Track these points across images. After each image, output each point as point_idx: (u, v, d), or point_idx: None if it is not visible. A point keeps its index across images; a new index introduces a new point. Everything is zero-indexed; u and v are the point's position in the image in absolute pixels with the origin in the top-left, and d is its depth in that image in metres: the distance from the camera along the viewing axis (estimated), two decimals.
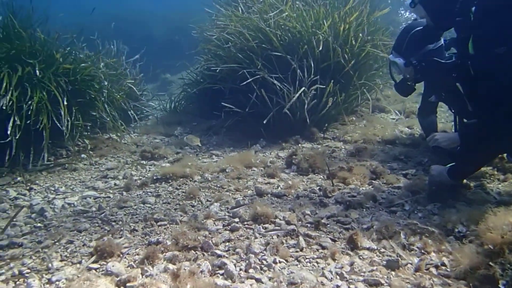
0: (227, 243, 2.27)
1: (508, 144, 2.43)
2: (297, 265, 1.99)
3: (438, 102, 3.75)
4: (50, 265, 2.08)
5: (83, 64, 4.33)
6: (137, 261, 2.10)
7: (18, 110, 3.49)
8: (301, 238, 2.23)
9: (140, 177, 3.64)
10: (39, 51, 4.02)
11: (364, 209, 2.65)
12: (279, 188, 3.16)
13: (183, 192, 3.19)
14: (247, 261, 2.02)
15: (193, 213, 2.71)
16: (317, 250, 2.14)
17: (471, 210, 2.30)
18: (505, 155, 3.02)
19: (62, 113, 3.76)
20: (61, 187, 3.43)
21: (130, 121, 5.69)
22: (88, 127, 4.36)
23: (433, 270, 1.84)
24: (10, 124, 3.42)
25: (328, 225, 2.41)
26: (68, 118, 3.83)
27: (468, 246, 1.86)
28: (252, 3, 5.13)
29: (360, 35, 4.71)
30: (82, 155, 4.23)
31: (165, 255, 2.14)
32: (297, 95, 4.23)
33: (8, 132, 3.38)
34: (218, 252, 2.14)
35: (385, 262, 1.93)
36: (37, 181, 3.55)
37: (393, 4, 6.21)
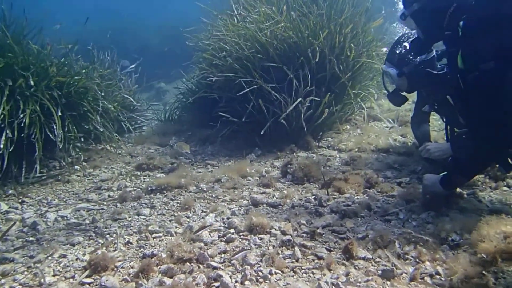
0: (223, 255, 2.26)
1: (499, 155, 2.45)
2: (293, 276, 1.98)
3: (431, 112, 3.79)
4: (42, 280, 2.05)
5: (77, 77, 4.31)
6: (131, 275, 2.08)
7: (10, 123, 3.47)
8: (296, 248, 2.22)
9: (135, 188, 3.62)
10: (32, 63, 4.01)
11: (359, 218, 2.65)
12: (275, 197, 3.16)
13: (178, 203, 3.17)
14: (242, 273, 2.00)
15: (188, 224, 2.70)
16: (313, 260, 2.13)
17: (465, 218, 2.31)
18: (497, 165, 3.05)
19: (56, 125, 3.73)
20: (54, 200, 3.40)
21: (124, 131, 5.68)
22: (82, 139, 4.34)
23: (427, 279, 1.84)
24: (3, 137, 3.40)
25: (324, 235, 2.41)
26: (61, 131, 3.80)
27: (462, 255, 1.86)
28: (248, 13, 5.16)
29: (353, 46, 4.75)
30: (76, 167, 4.20)
31: (160, 268, 2.12)
32: (294, 105, 4.24)
33: (1, 146, 3.36)
34: (214, 264, 2.13)
35: (380, 272, 1.93)
36: (29, 194, 3.51)
37: (387, 14, 6.26)
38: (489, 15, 2.26)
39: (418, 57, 3.21)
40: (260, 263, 2.11)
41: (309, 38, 4.64)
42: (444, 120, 3.46)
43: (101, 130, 4.51)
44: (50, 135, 3.76)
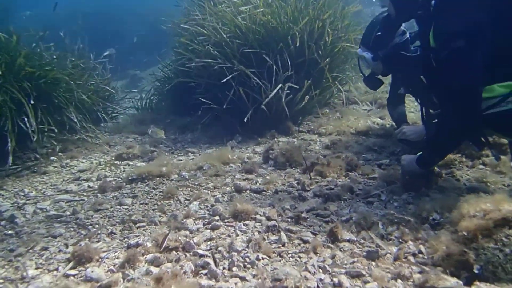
0: (209, 242, 2.26)
1: (470, 133, 2.52)
2: (280, 260, 2.00)
3: (406, 93, 3.86)
4: (25, 273, 2.00)
5: (47, 67, 4.15)
6: (117, 265, 2.05)
7: None
8: (282, 233, 2.24)
9: (115, 178, 3.55)
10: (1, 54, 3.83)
11: (342, 201, 2.69)
12: (258, 183, 3.17)
13: (161, 191, 3.14)
14: (230, 260, 2.01)
15: (172, 213, 2.67)
16: (299, 244, 2.16)
17: (444, 198, 2.38)
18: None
19: (28, 116, 3.60)
20: (31, 192, 3.30)
21: (100, 121, 5.55)
22: (56, 130, 4.20)
23: (411, 258, 1.89)
24: None
25: (308, 219, 2.44)
26: (34, 121, 3.67)
27: (443, 233, 1.92)
28: None
29: (330, 31, 4.75)
30: (52, 158, 4.09)
31: (146, 257, 2.10)
32: (275, 91, 4.23)
33: None
34: (200, 251, 2.12)
35: (365, 253, 1.97)
36: (4, 187, 3.40)
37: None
38: None
39: (393, 40, 3.24)
40: (247, 249, 2.12)
41: (288, 23, 4.62)
42: (419, 102, 3.53)
43: (75, 120, 4.39)
44: (23, 127, 3.62)
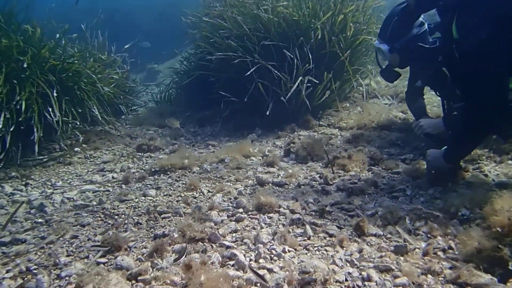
0: (234, 234, 2.28)
1: (496, 124, 2.47)
2: (306, 253, 2.01)
3: (424, 86, 3.81)
4: (57, 260, 2.06)
5: (69, 61, 4.22)
6: (145, 255, 2.09)
7: (8, 105, 3.41)
8: (307, 226, 2.24)
9: (138, 170, 3.60)
10: (26, 47, 3.91)
11: (366, 196, 2.68)
12: (280, 177, 3.17)
13: (183, 183, 3.17)
14: (256, 251, 2.02)
15: (196, 204, 2.70)
16: (325, 238, 2.16)
17: (473, 193, 2.34)
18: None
19: (53, 107, 3.67)
20: (58, 182, 3.38)
21: (121, 113, 5.62)
22: (79, 122, 4.27)
23: (440, 253, 1.88)
24: (1, 117, 3.34)
25: (333, 213, 2.44)
26: (58, 113, 3.75)
27: (474, 229, 1.89)
28: None
29: (352, 25, 4.70)
30: (76, 149, 4.16)
31: (173, 247, 2.13)
32: (296, 85, 4.21)
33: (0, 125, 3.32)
34: (226, 243, 2.14)
35: (393, 247, 1.96)
36: (32, 176, 3.49)
37: None
38: None
39: (410, 32, 3.18)
40: (273, 241, 2.13)
41: (310, 17, 4.58)
42: (438, 94, 3.47)
43: (96, 113, 4.45)
44: (48, 117, 3.69)
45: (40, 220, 2.64)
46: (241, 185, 3.08)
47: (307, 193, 2.78)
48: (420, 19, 3.21)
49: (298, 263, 1.90)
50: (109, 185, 3.28)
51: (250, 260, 1.98)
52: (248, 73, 4.33)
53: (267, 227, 2.33)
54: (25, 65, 3.63)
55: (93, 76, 4.65)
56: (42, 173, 3.60)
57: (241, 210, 2.58)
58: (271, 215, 2.48)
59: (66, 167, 3.74)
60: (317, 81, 4.37)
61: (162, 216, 2.60)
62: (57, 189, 3.22)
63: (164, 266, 1.95)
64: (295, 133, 4.37)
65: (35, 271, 1.97)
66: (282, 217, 2.45)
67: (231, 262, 1.96)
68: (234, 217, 2.48)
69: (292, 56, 4.37)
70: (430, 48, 3.15)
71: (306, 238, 2.16)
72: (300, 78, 4.29)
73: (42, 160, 3.79)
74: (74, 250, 2.19)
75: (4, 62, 3.60)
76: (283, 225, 2.34)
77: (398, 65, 3.41)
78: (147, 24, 18.23)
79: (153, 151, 4.16)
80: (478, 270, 1.63)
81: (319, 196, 2.74)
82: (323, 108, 4.83)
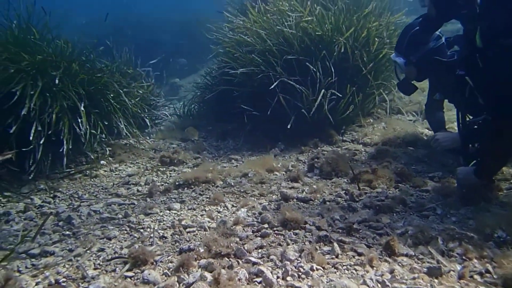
0: (259, 250, 2.25)
1: None
2: (335, 272, 1.96)
3: (444, 99, 3.76)
4: (85, 273, 2.07)
5: (99, 74, 4.33)
6: (171, 269, 2.08)
7: (39, 118, 3.51)
8: (335, 244, 2.20)
9: (162, 183, 3.63)
10: (59, 61, 4.03)
11: (395, 214, 2.61)
12: (304, 192, 3.14)
13: (207, 197, 3.17)
14: (283, 269, 1.99)
15: (221, 219, 2.69)
16: (353, 256, 2.11)
17: (509, 214, 2.26)
18: None
19: (82, 120, 3.75)
20: (85, 194, 3.43)
21: (145, 126, 5.69)
22: (105, 135, 4.35)
23: (477, 277, 1.80)
24: (33, 130, 3.43)
25: (360, 231, 2.38)
26: (87, 126, 3.83)
27: None
28: (272, 5, 5.12)
29: (377, 39, 4.69)
30: (102, 162, 4.23)
31: (199, 262, 2.12)
32: (320, 98, 4.20)
33: (30, 138, 3.39)
34: (253, 259, 2.12)
35: (426, 269, 1.89)
36: (60, 189, 3.55)
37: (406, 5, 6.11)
38: None
39: (427, 45, 3.18)
40: (300, 258, 2.09)
41: (333, 32, 4.59)
42: (456, 107, 3.42)
43: (123, 126, 4.52)
44: (78, 130, 3.76)
45: (67, 232, 2.68)
46: (265, 200, 3.06)
47: (333, 209, 2.73)
48: (437, 32, 3.20)
49: (327, 282, 1.86)
50: (134, 198, 3.31)
51: (278, 277, 1.95)
52: (271, 87, 4.35)
53: (293, 243, 2.30)
54: (57, 80, 3.73)
55: (120, 90, 4.74)
56: (69, 185, 3.66)
57: (266, 225, 2.56)
58: (296, 231, 2.45)
59: (92, 179, 3.80)
60: (340, 95, 4.34)
61: (187, 230, 2.60)
62: (84, 201, 3.27)
63: (191, 281, 1.93)
64: (319, 148, 4.33)
65: (63, 283, 1.99)
66: (308, 233, 2.41)
67: (258, 279, 1.93)
68: (260, 233, 2.45)
69: (314, 69, 4.37)
70: (447, 61, 3.13)
71: (334, 256, 2.12)
72: (323, 91, 4.28)
73: (69, 173, 3.86)
74: (101, 263, 2.20)
75: (39, 75, 3.71)
76: (310, 242, 2.30)
77: (415, 78, 3.41)
78: (169, 40, 18.60)
79: (176, 165, 4.19)
80: None
81: (345, 213, 2.69)
82: (347, 123, 4.78)
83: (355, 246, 2.19)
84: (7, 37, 4.05)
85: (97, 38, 5.48)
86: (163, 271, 2.08)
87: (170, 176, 3.84)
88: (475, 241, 2.05)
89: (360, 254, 2.11)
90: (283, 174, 3.64)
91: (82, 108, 3.84)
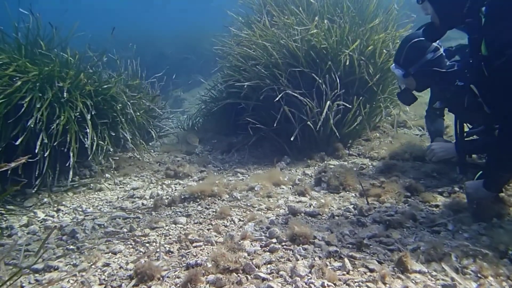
0: (268, 265, 2.20)
1: None
2: None
3: (445, 107, 3.76)
4: None
5: (107, 85, 4.33)
6: (178, 285, 2.03)
7: (46, 129, 3.49)
8: (346, 260, 2.15)
9: (167, 197, 3.59)
10: (66, 73, 4.04)
11: (405, 229, 2.56)
12: (312, 207, 3.09)
13: (214, 211, 3.13)
14: (294, 285, 1.94)
15: (228, 233, 2.65)
16: (365, 273, 2.05)
17: None
18: None
19: (89, 132, 3.74)
20: (89, 208, 3.39)
21: (149, 139, 5.68)
22: (111, 148, 4.33)
23: None
24: (38, 142, 3.41)
25: (371, 246, 2.33)
26: (95, 138, 3.81)
27: None
28: (278, 19, 5.15)
29: (385, 51, 4.70)
30: (106, 175, 4.21)
31: (207, 278, 2.07)
32: (325, 111, 4.18)
33: (36, 151, 3.38)
34: (262, 275, 2.07)
35: (440, 286, 1.84)
36: (63, 202, 3.52)
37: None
38: None
39: (424, 57, 3.20)
40: (310, 274, 2.04)
41: (338, 45, 4.60)
42: (456, 117, 3.41)
43: (129, 138, 4.50)
44: (84, 142, 3.74)
45: (72, 247, 2.63)
46: (273, 214, 3.01)
47: (342, 224, 2.69)
48: (435, 44, 3.20)
49: None
50: (139, 211, 3.27)
51: None
52: (276, 99, 4.35)
53: (302, 259, 2.25)
54: (65, 92, 3.73)
55: (127, 103, 4.74)
56: (73, 198, 3.63)
57: (274, 240, 2.51)
58: (306, 246, 2.39)
59: (96, 193, 3.77)
60: (349, 106, 4.33)
61: (194, 244, 2.55)
62: (88, 215, 3.23)
63: None
64: (325, 162, 4.30)
65: None
66: (317, 248, 2.36)
67: None
68: (268, 248, 2.40)
69: (320, 81, 4.36)
70: (446, 72, 3.14)
71: (345, 272, 2.06)
72: (328, 103, 4.26)
73: (73, 186, 3.83)
74: (106, 279, 2.15)
75: (47, 84, 3.72)
76: (320, 257, 2.25)
77: (415, 89, 3.42)
78: (172, 54, 18.78)
79: (181, 178, 4.16)
80: None
81: (354, 228, 2.64)
82: (353, 137, 4.76)
83: (366, 262, 2.14)
84: (15, 49, 4.08)
85: (103, 51, 5.52)
86: (170, 286, 2.03)
87: (176, 190, 3.80)
88: (490, 258, 2.00)
89: (372, 271, 2.06)
90: (290, 188, 3.60)
91: (89, 119, 3.83)
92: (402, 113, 5.69)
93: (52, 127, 3.50)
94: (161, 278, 2.11)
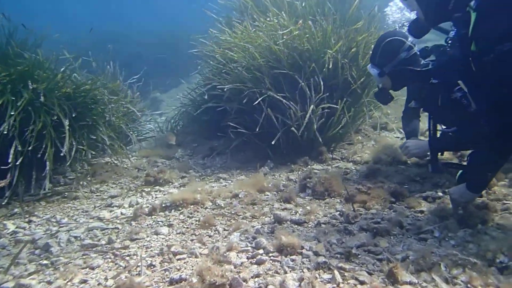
0: (256, 279, 2.12)
1: None
2: None
3: (420, 108, 3.83)
4: None
5: (84, 87, 4.14)
6: None
7: (20, 135, 3.30)
8: (336, 272, 2.09)
9: (148, 205, 3.45)
10: (40, 74, 3.84)
11: (392, 237, 2.53)
12: (298, 214, 3.04)
13: (197, 220, 3.03)
14: None
15: (213, 244, 2.55)
16: (355, 285, 2.00)
17: (509, 237, 2.21)
18: None
19: (66, 137, 3.54)
20: (64, 218, 3.22)
21: (127, 143, 5.50)
22: (88, 153, 4.13)
23: None
24: (12, 150, 3.22)
25: (360, 256, 2.29)
26: (74, 143, 3.62)
27: None
28: (259, 21, 5.08)
29: (366, 52, 4.70)
30: (81, 182, 4.02)
31: None
32: (308, 115, 4.14)
33: (9, 160, 3.18)
34: None
35: None
36: (36, 212, 3.33)
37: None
38: None
39: (398, 56, 3.23)
40: None
41: (321, 46, 4.57)
42: (430, 117, 3.45)
43: (108, 143, 4.32)
44: (61, 148, 3.54)
45: (45, 262, 2.47)
46: (258, 222, 2.93)
47: (329, 232, 2.64)
48: (408, 43, 3.23)
49: None
50: (118, 222, 3.13)
51: None
52: (255, 103, 4.27)
53: (291, 271, 2.18)
54: (41, 97, 3.53)
55: (107, 104, 4.55)
56: (46, 208, 3.44)
57: (261, 251, 2.43)
58: (293, 257, 2.33)
59: (71, 202, 3.59)
60: (336, 106, 4.29)
61: (177, 257, 2.44)
62: (62, 226, 3.06)
63: None
64: (309, 166, 4.25)
65: None
66: (305, 259, 2.30)
67: None
68: (255, 259, 2.33)
69: (303, 83, 4.32)
70: (420, 71, 3.16)
71: (335, 285, 2.00)
72: (312, 106, 4.22)
73: (45, 195, 3.63)
74: None
75: (20, 86, 3.52)
76: (308, 269, 2.19)
77: (391, 88, 3.44)
78: (151, 53, 18.45)
79: (162, 185, 4.03)
80: None
81: (342, 236, 2.59)
82: (336, 141, 4.73)
83: (356, 273, 2.09)
84: None
85: (80, 52, 5.31)
86: None
87: (156, 197, 3.67)
88: (479, 268, 1.98)
89: (362, 283, 2.01)
90: (275, 194, 3.53)
91: (68, 125, 3.63)
92: (383, 116, 5.73)
93: (27, 133, 3.30)
94: None
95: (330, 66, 4.38)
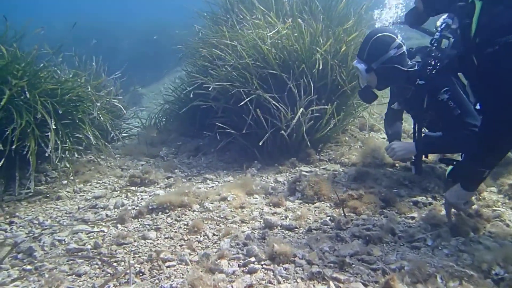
0: None
1: None
2: None
3: (403, 110, 3.81)
4: None
5: (69, 84, 3.98)
6: None
7: (1, 134, 3.14)
8: (331, 283, 2.07)
9: (134, 207, 3.35)
10: (22, 70, 3.66)
11: (385, 245, 2.53)
12: (288, 219, 3.00)
13: (185, 224, 2.96)
14: None
15: (203, 251, 2.49)
16: None
17: (503, 248, 2.23)
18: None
19: (51, 136, 3.39)
20: (47, 220, 3.10)
21: (111, 141, 5.34)
22: (72, 151, 3.97)
23: None
24: None
25: (354, 265, 2.27)
26: (58, 141, 3.47)
27: None
28: (246, 20, 4.99)
29: (355, 53, 4.68)
30: (64, 181, 3.88)
31: None
32: (297, 117, 4.09)
33: None
34: None
35: None
36: (17, 213, 3.19)
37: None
38: None
39: (387, 53, 3.19)
40: None
41: (310, 46, 4.52)
42: (413, 118, 3.47)
43: (93, 141, 4.15)
44: (45, 148, 3.39)
45: (29, 267, 2.36)
46: (248, 227, 2.89)
47: (321, 239, 2.60)
48: (398, 41, 3.20)
49: None
50: (103, 224, 3.02)
51: None
52: (241, 104, 4.20)
53: (284, 281, 2.14)
54: (26, 92, 3.36)
55: (95, 102, 4.38)
56: (28, 209, 3.30)
57: (253, 259, 2.38)
58: (286, 265, 2.29)
59: (54, 202, 3.46)
60: (326, 107, 4.26)
61: (167, 264, 2.37)
62: (45, 229, 2.93)
63: None
64: (296, 168, 4.22)
65: None
66: (299, 268, 2.26)
67: None
68: (247, 268, 2.28)
69: (291, 84, 4.27)
70: (407, 71, 3.16)
71: None
72: (302, 109, 4.18)
73: (27, 195, 3.49)
74: None
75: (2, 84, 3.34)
76: (302, 278, 2.16)
77: (376, 86, 3.40)
78: (130, 47, 18.12)
79: (147, 185, 3.92)
80: None
81: (334, 243, 2.57)
82: (324, 142, 4.72)
83: (351, 285, 2.07)
84: None
85: (62, 47, 5.10)
86: None
87: (142, 199, 3.57)
88: (475, 280, 1.99)
89: None
90: (263, 197, 3.48)
91: (53, 124, 3.47)
92: (369, 117, 5.75)
93: (7, 132, 3.14)
94: None
95: (320, 67, 4.33)
